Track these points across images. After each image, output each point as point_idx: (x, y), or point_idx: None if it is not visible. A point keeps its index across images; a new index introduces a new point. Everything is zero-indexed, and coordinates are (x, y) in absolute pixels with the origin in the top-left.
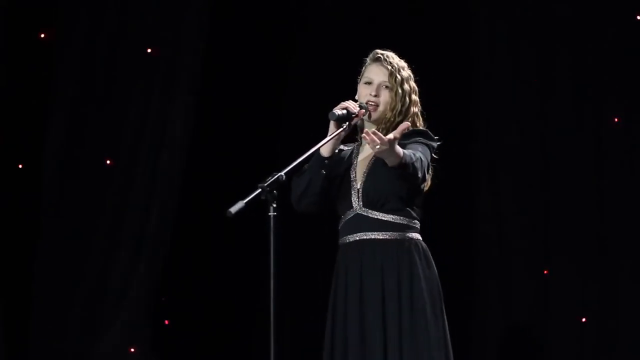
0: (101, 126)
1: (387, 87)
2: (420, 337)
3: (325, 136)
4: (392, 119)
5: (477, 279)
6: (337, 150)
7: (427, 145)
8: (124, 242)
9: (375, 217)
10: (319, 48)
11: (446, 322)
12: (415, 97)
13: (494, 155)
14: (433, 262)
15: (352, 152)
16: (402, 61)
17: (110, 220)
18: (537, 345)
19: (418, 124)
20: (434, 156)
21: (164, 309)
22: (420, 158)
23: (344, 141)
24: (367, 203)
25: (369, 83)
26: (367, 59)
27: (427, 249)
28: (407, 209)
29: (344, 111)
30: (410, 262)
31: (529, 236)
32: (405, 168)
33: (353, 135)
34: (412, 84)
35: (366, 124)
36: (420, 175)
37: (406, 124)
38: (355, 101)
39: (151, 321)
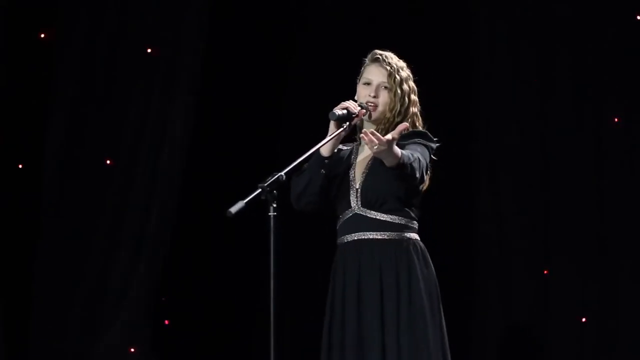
0: (101, 126)
1: (385, 87)
2: (418, 337)
3: (325, 136)
4: (391, 120)
5: (477, 279)
6: (336, 150)
7: (426, 146)
8: (124, 242)
9: (374, 217)
10: (319, 48)
11: (444, 322)
12: (414, 97)
13: (494, 155)
14: (431, 262)
15: (351, 152)
16: (401, 61)
17: (110, 220)
18: (537, 345)
19: (417, 124)
20: (433, 157)
21: (164, 309)
22: (419, 159)
23: (343, 141)
24: (366, 203)
25: (367, 84)
26: (366, 59)
27: (425, 249)
28: (406, 209)
29: (344, 111)
30: (409, 262)
31: (529, 236)
32: (404, 168)
33: (352, 134)
34: (412, 84)
35: (365, 124)
36: (418, 175)
37: (404, 125)
38: (355, 101)
39: (151, 321)
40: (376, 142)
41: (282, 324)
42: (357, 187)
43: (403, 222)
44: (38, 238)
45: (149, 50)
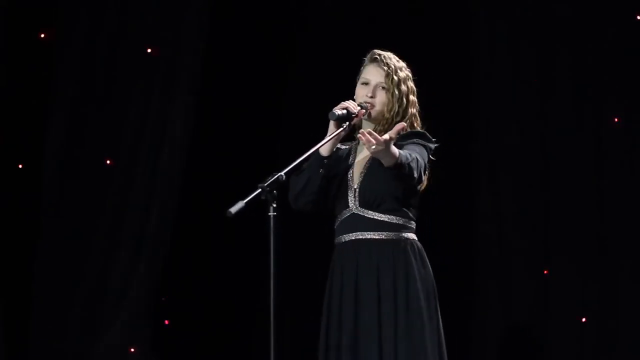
0: (101, 126)
1: (383, 87)
2: (415, 338)
3: (325, 136)
4: (389, 120)
5: (477, 279)
6: (335, 150)
7: (424, 146)
8: (124, 242)
9: (372, 217)
10: (319, 48)
11: (440, 323)
12: (413, 98)
13: (494, 155)
14: (428, 262)
15: (350, 152)
16: (400, 62)
17: (110, 220)
18: (537, 345)
19: (416, 125)
20: (431, 157)
21: (164, 309)
22: (417, 158)
23: (343, 140)
24: (364, 203)
25: (365, 83)
26: (366, 59)
27: (422, 249)
28: (404, 209)
29: (344, 111)
30: (406, 262)
31: (529, 236)
32: (401, 168)
33: (352, 134)
34: (410, 84)
35: (364, 124)
36: (416, 175)
37: (402, 125)
38: (355, 101)
39: (151, 321)
40: (373, 142)
41: (282, 324)
42: (355, 187)
43: (401, 222)
44: (38, 238)
45: (149, 50)
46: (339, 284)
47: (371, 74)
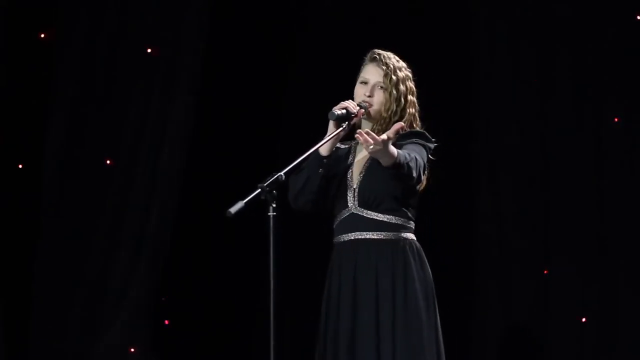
0: (101, 126)
1: (381, 87)
2: (413, 337)
3: (325, 136)
4: (387, 119)
5: (477, 279)
6: (334, 149)
7: (423, 146)
8: (124, 242)
9: (371, 217)
10: (319, 48)
11: (439, 323)
12: (411, 98)
13: (494, 155)
14: (427, 262)
15: (349, 151)
16: (400, 62)
17: (110, 220)
18: (537, 345)
19: (415, 125)
20: (431, 157)
21: (164, 309)
22: (415, 158)
23: (342, 139)
24: (363, 203)
25: (364, 83)
26: (366, 58)
27: (421, 249)
28: (403, 209)
29: (344, 111)
30: (405, 263)
31: (529, 236)
32: (400, 168)
33: (351, 134)
34: (410, 84)
35: (363, 123)
36: (415, 175)
37: (400, 124)
38: (354, 100)
39: (151, 321)
40: (371, 142)
41: (282, 324)
42: (355, 186)
43: (400, 222)
44: (38, 238)
45: (149, 50)
46: (337, 284)
47: (370, 73)
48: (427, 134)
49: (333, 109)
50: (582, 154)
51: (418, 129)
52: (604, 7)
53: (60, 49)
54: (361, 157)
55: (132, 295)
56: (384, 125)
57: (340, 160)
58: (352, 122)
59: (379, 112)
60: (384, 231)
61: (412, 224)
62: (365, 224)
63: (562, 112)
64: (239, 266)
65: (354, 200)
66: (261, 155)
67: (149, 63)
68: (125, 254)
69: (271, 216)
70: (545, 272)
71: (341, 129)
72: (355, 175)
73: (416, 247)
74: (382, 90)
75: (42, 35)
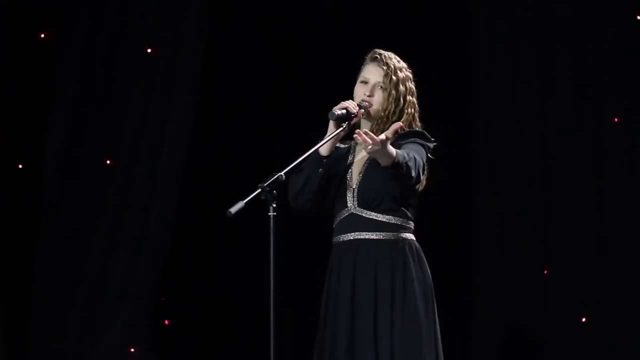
0: (101, 126)
1: (381, 87)
2: (412, 338)
3: (325, 136)
4: (385, 119)
5: (477, 279)
6: (334, 149)
7: (422, 145)
8: (124, 242)
9: (370, 217)
10: (319, 48)
11: (437, 323)
12: (411, 99)
13: (494, 155)
14: (426, 263)
15: (349, 151)
16: (401, 62)
17: (110, 220)
18: (537, 345)
19: (414, 125)
20: (430, 157)
21: (164, 309)
22: (414, 158)
23: (342, 139)
24: (362, 203)
25: (364, 82)
26: (366, 58)
27: (420, 250)
28: (402, 209)
29: (344, 111)
30: (404, 263)
31: (529, 236)
32: (399, 168)
33: (351, 134)
34: (410, 85)
35: (362, 122)
36: (414, 175)
37: (398, 124)
38: (353, 99)
39: (151, 321)
40: (369, 142)
41: (282, 324)
42: (354, 186)
43: (399, 222)
44: (38, 238)
45: (149, 50)
46: (336, 283)
47: (370, 73)
48: (426, 133)
49: (333, 109)
50: (582, 154)
51: (417, 129)
52: (604, 7)
53: (60, 49)
54: (361, 157)
55: (132, 295)
56: (383, 125)
57: (340, 160)
58: (352, 122)
59: (378, 112)
60: (383, 231)
61: (411, 224)
62: (364, 224)
63: (562, 112)
64: (239, 266)
65: (353, 201)
66: (261, 155)
67: (149, 63)
68: (125, 254)
69: (271, 216)
70: (545, 272)
71: (341, 129)
72: (354, 175)
73: (415, 247)
74: (381, 90)
75: (42, 35)
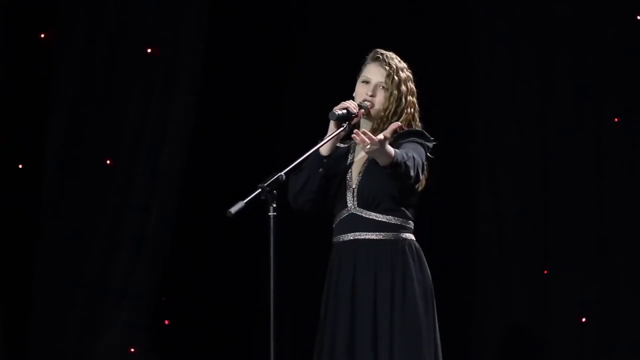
0: (101, 126)
1: (383, 87)
2: (412, 338)
3: (325, 135)
4: (385, 119)
5: (477, 279)
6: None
7: (422, 145)
8: (124, 242)
9: (370, 217)
10: (319, 48)
11: (437, 324)
12: (411, 99)
13: (494, 155)
14: (426, 263)
15: (349, 151)
16: (402, 62)
17: (110, 220)
18: (537, 345)
19: (414, 125)
20: (430, 156)
21: (164, 309)
22: (413, 157)
23: (343, 139)
24: (362, 203)
25: (366, 82)
26: (368, 57)
27: (420, 250)
28: (402, 209)
29: (344, 111)
30: (404, 263)
31: (529, 236)
32: (397, 167)
33: (351, 133)
34: (411, 85)
35: (362, 122)
36: (412, 174)
37: (396, 124)
38: (354, 99)
39: (151, 321)
40: (368, 141)
41: (282, 324)
42: (354, 186)
43: (399, 222)
44: (38, 238)
45: (149, 50)
46: (336, 283)
47: (372, 73)
48: (425, 133)
49: (334, 109)
50: (582, 154)
51: (417, 128)
52: (604, 7)
53: (60, 49)
54: (360, 157)
55: (132, 295)
56: (383, 125)
57: (340, 160)
58: (352, 122)
59: (379, 112)
60: (383, 231)
61: (411, 224)
62: (364, 225)
63: (562, 112)
64: (239, 266)
65: (353, 201)
66: (261, 155)
67: (149, 63)
68: (125, 254)
69: (271, 216)
70: (545, 272)
71: (342, 129)
72: (354, 175)
73: (415, 247)
74: (383, 91)
75: (42, 35)
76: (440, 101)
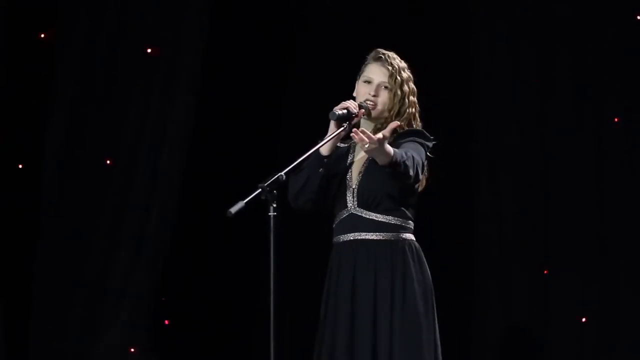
0: (101, 126)
1: (386, 87)
2: (412, 338)
3: (325, 135)
4: (388, 119)
5: (477, 279)
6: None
7: (421, 144)
8: (124, 242)
9: (370, 217)
10: (319, 48)
11: (437, 324)
12: (413, 99)
13: (494, 155)
14: (426, 263)
15: (349, 151)
16: (402, 62)
17: (110, 220)
18: (537, 345)
19: (414, 125)
20: (429, 155)
21: (164, 309)
22: (413, 157)
23: (343, 139)
24: (362, 203)
25: (368, 82)
26: (368, 57)
27: (420, 250)
28: (402, 209)
29: (345, 111)
30: (404, 264)
31: (529, 236)
32: (396, 167)
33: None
34: (412, 85)
35: (363, 122)
36: (412, 173)
37: (395, 123)
38: (354, 98)
39: (151, 321)
40: (367, 140)
41: (282, 324)
42: (354, 186)
43: (399, 222)
44: (38, 238)
45: (149, 50)
46: (336, 283)
47: (374, 73)
48: (425, 132)
49: (334, 109)
50: (582, 154)
51: (417, 128)
52: (604, 7)
53: (60, 49)
54: (360, 156)
55: (132, 295)
56: (383, 125)
57: (340, 160)
58: (352, 122)
59: (382, 112)
60: (383, 232)
61: (411, 224)
62: (364, 225)
63: (562, 112)
64: (239, 266)
65: (353, 201)
66: (261, 155)
67: (149, 63)
68: (125, 254)
69: (271, 216)
70: (545, 272)
71: (342, 129)
72: (354, 175)
73: (415, 247)
74: (386, 90)
75: (42, 35)
76: (440, 101)
